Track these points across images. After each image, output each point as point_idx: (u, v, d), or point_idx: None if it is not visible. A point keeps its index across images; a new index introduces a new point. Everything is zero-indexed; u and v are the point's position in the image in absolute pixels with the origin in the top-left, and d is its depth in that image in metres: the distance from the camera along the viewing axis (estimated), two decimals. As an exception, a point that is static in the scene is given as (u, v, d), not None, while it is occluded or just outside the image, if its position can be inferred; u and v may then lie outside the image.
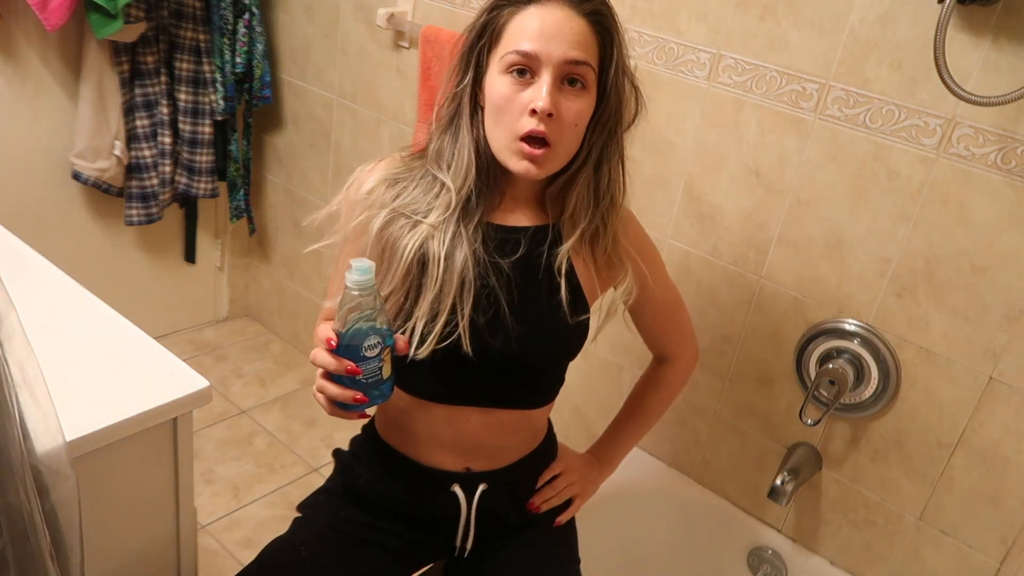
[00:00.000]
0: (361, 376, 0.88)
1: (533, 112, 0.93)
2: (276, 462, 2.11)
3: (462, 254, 0.98)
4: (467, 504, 1.11)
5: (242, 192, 2.33)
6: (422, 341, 0.97)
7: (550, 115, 0.93)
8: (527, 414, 1.13)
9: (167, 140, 2.11)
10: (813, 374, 1.44)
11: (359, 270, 0.84)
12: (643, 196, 1.60)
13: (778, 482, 1.42)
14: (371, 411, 1.00)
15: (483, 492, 1.12)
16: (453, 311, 0.97)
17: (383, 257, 1.00)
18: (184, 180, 2.19)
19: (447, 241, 0.98)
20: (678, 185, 1.55)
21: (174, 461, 1.07)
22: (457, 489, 1.11)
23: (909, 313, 1.34)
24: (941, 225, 1.28)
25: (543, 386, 1.14)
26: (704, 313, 1.58)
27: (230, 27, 2.09)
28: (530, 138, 0.94)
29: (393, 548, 1.15)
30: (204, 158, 2.17)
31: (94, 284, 1.21)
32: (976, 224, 1.24)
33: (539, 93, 0.93)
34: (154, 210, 2.16)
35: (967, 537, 1.37)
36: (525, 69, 0.94)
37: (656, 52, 1.50)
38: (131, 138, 2.08)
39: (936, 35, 1.10)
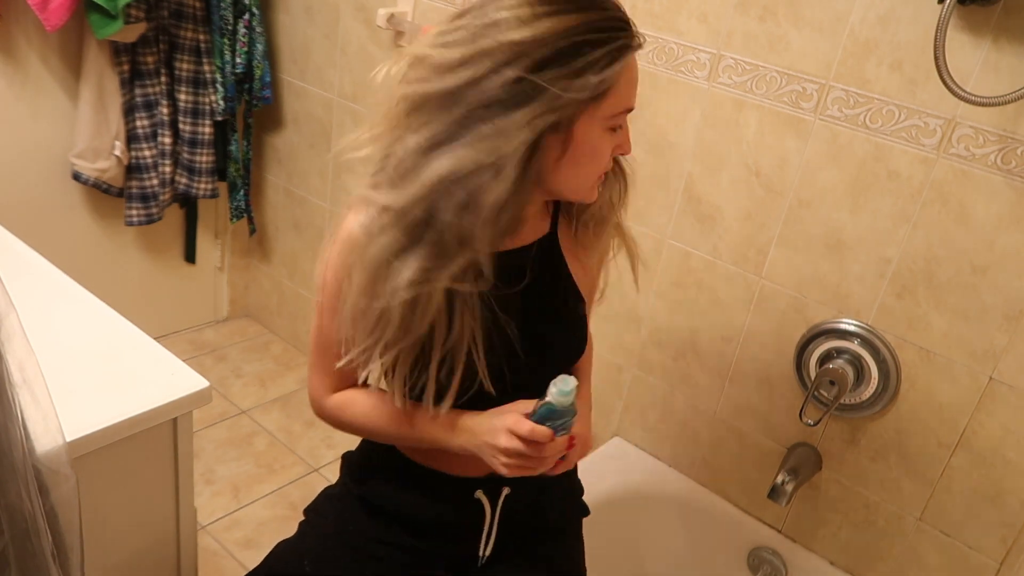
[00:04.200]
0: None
1: (620, 153, 0.95)
2: (276, 462, 2.11)
3: (468, 304, 0.90)
4: (491, 509, 1.10)
5: (242, 192, 2.33)
6: (440, 395, 0.93)
7: None
8: None
9: (167, 140, 2.11)
10: (813, 374, 1.44)
11: (562, 392, 0.87)
12: (643, 196, 1.60)
13: (778, 482, 1.42)
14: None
15: (507, 496, 1.09)
16: (469, 359, 0.91)
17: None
18: (184, 180, 2.19)
19: (446, 293, 0.88)
20: (678, 185, 1.55)
21: (174, 461, 1.07)
22: (481, 495, 1.08)
23: (909, 313, 1.34)
24: (941, 225, 1.28)
25: None
26: (704, 313, 1.58)
27: (230, 27, 2.09)
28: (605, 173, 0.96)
29: (401, 563, 1.12)
30: (204, 158, 2.17)
31: (94, 284, 1.21)
32: (976, 224, 1.24)
33: (628, 140, 0.94)
34: (154, 210, 2.16)
35: (967, 537, 1.37)
36: (620, 123, 0.93)
37: (656, 52, 1.50)
38: (131, 138, 2.08)
39: (936, 35, 1.10)
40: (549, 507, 1.17)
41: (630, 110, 0.91)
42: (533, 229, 1.01)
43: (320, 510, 1.16)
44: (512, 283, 0.94)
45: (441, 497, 1.09)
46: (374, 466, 1.13)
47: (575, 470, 1.23)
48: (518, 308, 0.97)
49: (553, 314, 1.03)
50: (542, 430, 0.89)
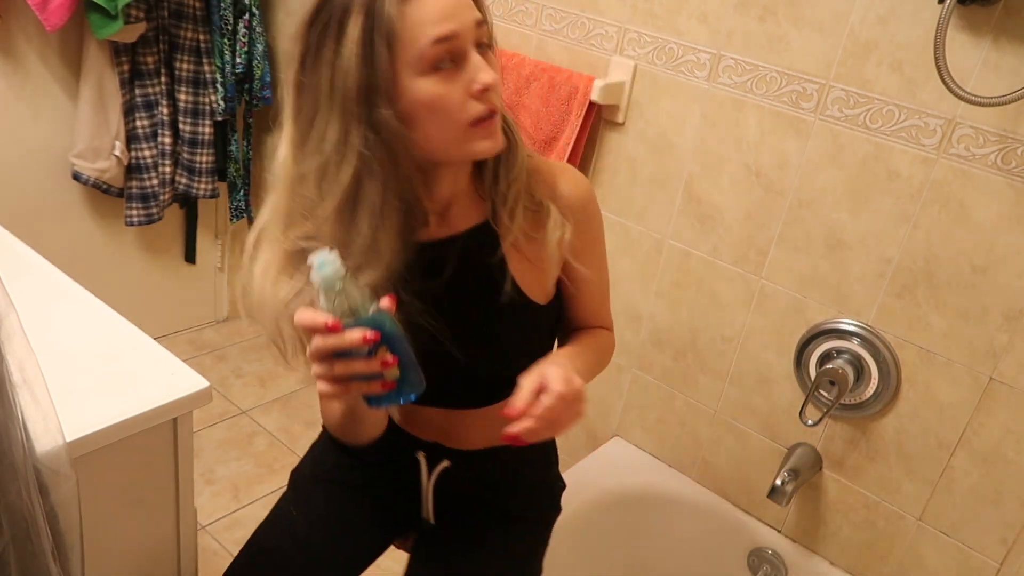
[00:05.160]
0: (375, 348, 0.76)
1: (481, 92, 0.84)
2: (276, 462, 2.11)
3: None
4: (427, 475, 1.09)
5: (242, 192, 2.33)
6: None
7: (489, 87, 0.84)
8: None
9: (167, 140, 2.11)
10: (813, 374, 1.44)
11: (321, 264, 0.74)
12: (643, 196, 1.60)
13: (778, 482, 1.42)
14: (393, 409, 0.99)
15: (445, 469, 1.09)
16: None
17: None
18: (184, 180, 2.19)
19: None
20: (678, 185, 1.55)
21: (174, 461, 1.07)
22: (421, 457, 1.09)
23: (909, 313, 1.34)
24: (941, 225, 1.28)
25: (512, 382, 0.96)
26: (704, 313, 1.58)
27: (230, 27, 2.09)
28: (479, 118, 0.85)
29: (374, 496, 1.13)
30: (204, 158, 2.17)
31: (94, 284, 1.21)
32: (976, 224, 1.24)
33: (476, 73, 0.83)
34: (154, 210, 2.16)
35: (967, 538, 1.37)
36: (445, 56, 0.82)
37: (656, 53, 1.50)
38: (131, 138, 2.08)
39: (936, 35, 1.10)
40: (509, 493, 1.14)
41: (444, 39, 0.81)
42: (463, 218, 0.96)
43: (301, 462, 1.19)
44: (433, 275, 0.93)
45: (390, 446, 1.08)
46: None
47: (550, 462, 1.19)
48: (440, 299, 0.93)
49: (484, 307, 0.98)
50: (311, 315, 0.75)
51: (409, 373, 0.80)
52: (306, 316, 0.76)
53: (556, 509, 1.21)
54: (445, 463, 1.09)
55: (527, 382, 0.87)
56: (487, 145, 0.88)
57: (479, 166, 0.96)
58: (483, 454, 1.09)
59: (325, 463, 1.16)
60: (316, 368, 0.79)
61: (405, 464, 1.11)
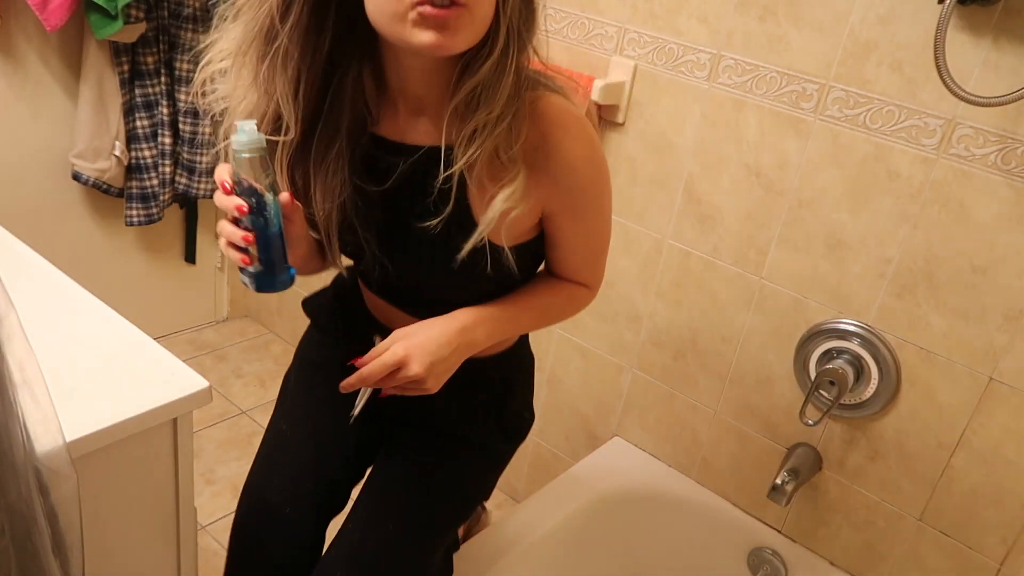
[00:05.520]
0: (248, 217, 0.84)
1: None
2: (276, 462, 2.11)
3: (327, 176, 0.90)
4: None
5: (242, 192, 2.33)
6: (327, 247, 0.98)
7: None
8: None
9: (167, 140, 2.11)
10: (813, 374, 1.44)
11: (240, 131, 0.80)
12: (643, 196, 1.60)
13: (778, 482, 1.42)
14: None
15: None
16: (328, 232, 0.94)
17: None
18: (184, 181, 2.19)
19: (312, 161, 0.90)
20: (678, 185, 1.55)
21: (174, 461, 1.07)
22: (376, 339, 0.98)
23: (909, 313, 1.34)
24: (941, 225, 1.28)
25: (449, 304, 0.98)
26: (704, 313, 1.58)
27: (230, 27, 2.09)
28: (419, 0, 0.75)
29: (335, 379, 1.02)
30: (204, 159, 2.17)
31: (94, 284, 1.21)
32: (976, 224, 1.24)
33: None
34: (154, 210, 2.16)
35: (967, 538, 1.37)
36: None
37: (656, 53, 1.50)
38: (131, 138, 2.08)
39: (936, 35, 1.10)
40: (460, 415, 1.10)
41: None
42: (426, 132, 0.91)
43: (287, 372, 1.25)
44: (378, 179, 0.92)
45: (356, 321, 1.10)
46: (338, 288, 1.18)
47: (511, 390, 1.14)
48: (376, 205, 0.93)
49: (416, 233, 0.92)
50: (220, 170, 0.84)
51: (272, 266, 0.87)
52: (219, 170, 0.84)
53: (511, 440, 1.16)
54: None
55: (383, 343, 0.93)
56: (425, 39, 0.76)
57: (459, 81, 0.84)
58: None
59: (304, 356, 1.22)
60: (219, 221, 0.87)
61: (364, 345, 1.00)
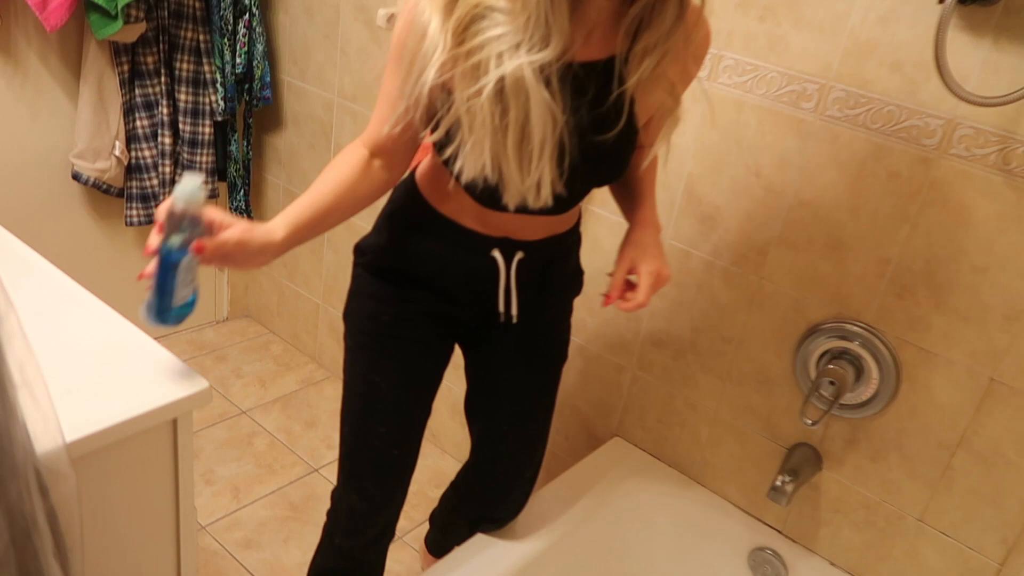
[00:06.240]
0: (154, 281, 0.93)
1: None
2: (276, 462, 2.11)
3: (544, 98, 0.92)
4: (506, 269, 1.16)
5: (242, 193, 2.33)
6: (489, 192, 1.00)
7: None
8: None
9: (167, 141, 2.11)
10: (813, 374, 1.44)
11: (184, 183, 0.88)
12: (643, 196, 1.60)
13: (778, 482, 1.42)
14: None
15: (520, 260, 1.16)
16: (528, 162, 0.96)
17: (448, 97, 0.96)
18: (184, 180, 2.19)
19: (535, 81, 0.91)
20: (678, 185, 1.55)
21: (174, 462, 1.07)
22: (497, 254, 1.15)
23: (909, 313, 1.34)
24: (941, 225, 1.28)
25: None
26: (704, 313, 1.58)
27: (230, 27, 2.09)
28: None
29: (428, 328, 1.22)
30: (204, 159, 2.17)
31: (94, 284, 1.21)
32: (976, 224, 1.24)
33: None
34: (154, 210, 2.16)
35: (967, 538, 1.37)
36: None
37: (656, 52, 1.50)
38: (131, 138, 2.08)
39: (937, 35, 1.10)
40: (563, 271, 1.27)
41: None
42: (601, 46, 1.00)
43: (355, 315, 1.25)
44: (577, 96, 0.98)
45: (463, 248, 1.16)
46: (402, 225, 1.20)
47: (576, 255, 1.29)
48: (583, 125, 0.99)
49: (597, 140, 1.02)
50: (162, 209, 0.91)
51: (161, 300, 0.95)
52: (161, 208, 0.91)
53: (577, 294, 1.33)
54: (520, 254, 1.16)
55: (619, 270, 1.13)
56: None
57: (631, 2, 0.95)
58: (545, 242, 1.18)
59: (380, 317, 1.23)
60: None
61: (475, 266, 1.16)
